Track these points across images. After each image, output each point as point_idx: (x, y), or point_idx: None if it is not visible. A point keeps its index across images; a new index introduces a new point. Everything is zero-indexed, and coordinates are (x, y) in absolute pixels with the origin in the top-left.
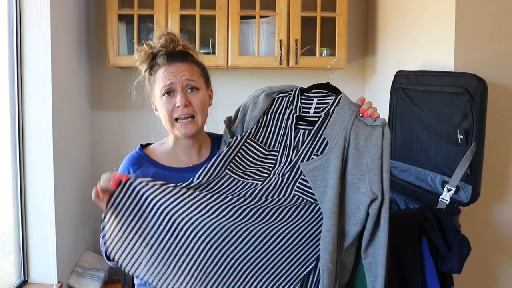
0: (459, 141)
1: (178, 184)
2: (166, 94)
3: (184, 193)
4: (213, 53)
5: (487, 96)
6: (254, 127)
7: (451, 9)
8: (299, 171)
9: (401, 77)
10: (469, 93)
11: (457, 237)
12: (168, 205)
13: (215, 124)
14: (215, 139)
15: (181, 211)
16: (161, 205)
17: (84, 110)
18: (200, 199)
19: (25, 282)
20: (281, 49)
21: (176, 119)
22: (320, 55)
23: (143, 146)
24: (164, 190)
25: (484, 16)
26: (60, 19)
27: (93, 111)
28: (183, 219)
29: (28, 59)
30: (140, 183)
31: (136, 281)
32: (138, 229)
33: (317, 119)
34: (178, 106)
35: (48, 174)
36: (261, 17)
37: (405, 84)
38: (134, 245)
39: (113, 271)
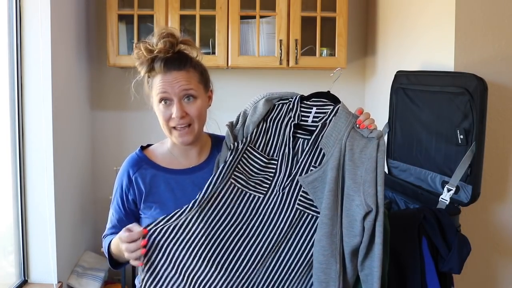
0: (459, 141)
1: (187, 208)
2: (162, 102)
3: (189, 231)
4: (213, 53)
5: (487, 96)
6: (254, 133)
7: (451, 9)
8: (299, 184)
9: (401, 77)
10: (469, 93)
11: (457, 237)
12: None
13: (215, 123)
14: (216, 141)
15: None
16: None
17: (84, 110)
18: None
19: (25, 282)
20: (281, 49)
21: (174, 127)
22: (320, 55)
23: (143, 148)
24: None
25: (484, 16)
26: (60, 19)
27: (93, 111)
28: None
29: (28, 59)
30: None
31: (137, 282)
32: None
33: (315, 128)
34: (174, 117)
35: (48, 174)
36: (261, 17)
37: (405, 84)
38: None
39: (113, 271)
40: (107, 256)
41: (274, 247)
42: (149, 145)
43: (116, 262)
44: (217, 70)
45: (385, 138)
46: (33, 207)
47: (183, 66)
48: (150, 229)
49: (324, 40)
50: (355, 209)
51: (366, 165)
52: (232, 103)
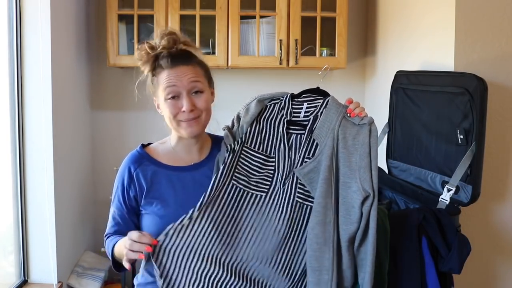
0: (459, 141)
1: (191, 211)
2: (170, 97)
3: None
4: (213, 53)
5: (487, 96)
6: (248, 132)
7: (451, 10)
8: (295, 177)
9: (401, 77)
10: (469, 93)
11: (457, 237)
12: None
13: (216, 122)
14: (215, 140)
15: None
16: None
17: (84, 110)
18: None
19: (25, 282)
20: (281, 49)
21: (181, 120)
22: (320, 55)
23: (144, 146)
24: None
25: (484, 16)
26: (60, 19)
27: (93, 111)
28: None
29: (28, 59)
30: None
31: (135, 281)
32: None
33: (307, 122)
34: (184, 111)
35: (48, 174)
36: (261, 17)
37: (405, 84)
38: None
39: (113, 271)
40: (110, 258)
41: (281, 243)
42: (149, 144)
43: (119, 265)
44: (217, 70)
45: (385, 138)
46: (33, 207)
47: (189, 61)
48: (160, 240)
49: (324, 40)
50: (352, 195)
51: (360, 151)
52: (232, 103)
